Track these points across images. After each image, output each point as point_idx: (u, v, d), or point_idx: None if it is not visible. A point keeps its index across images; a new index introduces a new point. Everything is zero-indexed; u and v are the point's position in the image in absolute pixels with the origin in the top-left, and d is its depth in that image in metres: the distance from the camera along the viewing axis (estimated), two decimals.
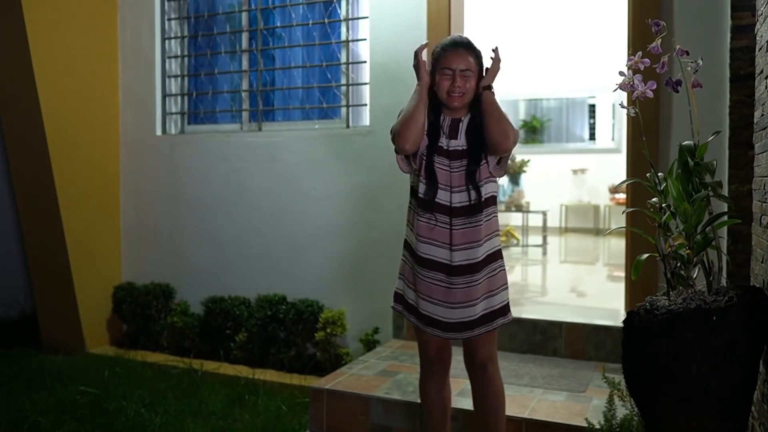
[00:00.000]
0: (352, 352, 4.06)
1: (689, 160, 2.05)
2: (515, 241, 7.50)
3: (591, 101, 9.24)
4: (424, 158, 2.22)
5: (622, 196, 8.13)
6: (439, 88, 2.22)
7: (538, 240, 7.46)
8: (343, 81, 4.39)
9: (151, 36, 4.91)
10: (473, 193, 2.18)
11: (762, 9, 2.41)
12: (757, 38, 2.55)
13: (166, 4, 4.94)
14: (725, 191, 2.78)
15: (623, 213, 3.13)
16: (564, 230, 8.94)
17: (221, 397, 3.65)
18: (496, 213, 2.28)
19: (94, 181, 4.82)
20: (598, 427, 2.49)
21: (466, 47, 2.21)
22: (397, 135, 2.19)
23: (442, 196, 2.19)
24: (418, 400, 2.92)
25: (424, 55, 2.30)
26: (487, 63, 2.29)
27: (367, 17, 4.22)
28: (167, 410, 3.44)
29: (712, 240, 2.04)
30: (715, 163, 2.07)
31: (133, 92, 4.98)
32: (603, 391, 2.78)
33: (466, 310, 2.20)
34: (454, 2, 3.94)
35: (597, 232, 8.83)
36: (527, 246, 7.39)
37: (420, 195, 2.22)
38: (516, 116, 9.55)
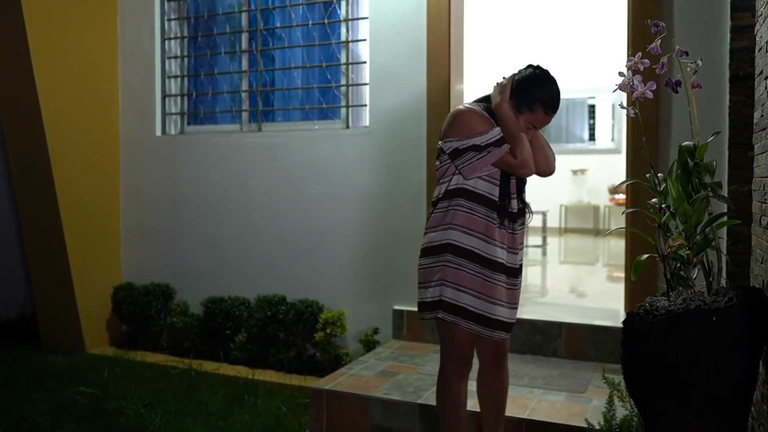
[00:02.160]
0: (352, 353, 4.06)
1: (689, 160, 2.05)
2: None
3: (591, 102, 9.25)
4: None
5: (621, 197, 8.14)
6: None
7: (538, 240, 7.46)
8: (343, 81, 4.39)
9: (151, 36, 4.92)
10: (520, 201, 2.33)
11: (762, 10, 2.41)
12: (757, 39, 2.55)
13: (166, 4, 4.94)
14: (725, 192, 2.79)
15: (623, 213, 3.13)
16: (564, 231, 8.94)
17: (221, 398, 3.65)
18: None
19: (93, 181, 4.81)
20: (597, 427, 2.49)
21: None
22: (530, 165, 2.23)
23: (511, 203, 2.29)
24: (418, 401, 2.92)
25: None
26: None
27: (367, 17, 4.22)
28: (167, 411, 3.43)
29: (712, 241, 2.04)
30: (714, 163, 2.07)
31: (132, 92, 4.98)
32: (603, 392, 2.78)
33: (517, 309, 2.36)
34: (454, 3, 3.94)
35: (597, 232, 8.83)
36: (527, 246, 7.39)
37: (496, 200, 2.24)
38: None
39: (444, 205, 2.27)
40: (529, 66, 2.29)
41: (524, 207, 2.35)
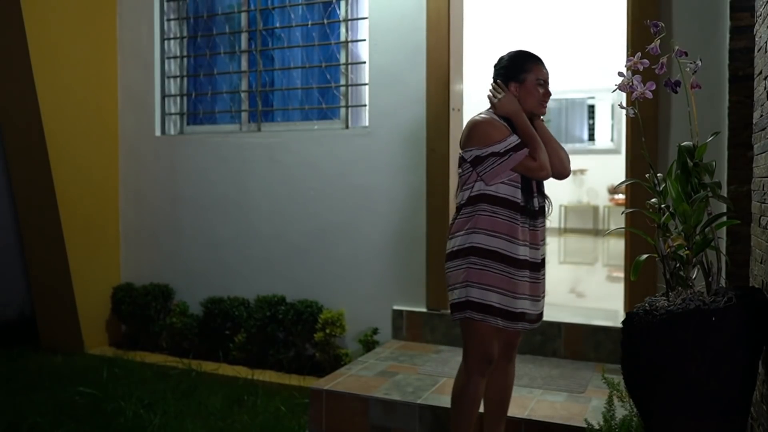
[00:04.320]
0: (351, 353, 4.06)
1: (688, 160, 2.05)
2: None
3: (590, 102, 9.25)
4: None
5: (621, 197, 8.14)
6: (528, 98, 2.38)
7: None
8: (343, 81, 4.39)
9: (150, 36, 4.91)
10: (540, 198, 2.41)
11: (761, 10, 2.41)
12: (756, 39, 2.55)
13: (166, 4, 4.94)
14: (724, 192, 2.78)
15: (622, 213, 3.13)
16: (563, 231, 8.94)
17: (220, 398, 3.65)
18: None
19: (93, 181, 4.81)
20: (597, 427, 2.49)
21: None
22: (547, 168, 2.35)
23: (533, 201, 2.36)
24: (417, 401, 2.92)
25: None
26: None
27: (366, 18, 4.22)
28: (166, 411, 3.43)
29: (711, 241, 2.04)
30: (714, 163, 2.07)
31: (132, 93, 4.98)
32: (602, 392, 2.79)
33: (543, 301, 2.44)
34: (453, 3, 3.94)
35: (596, 232, 8.83)
36: None
37: (518, 202, 2.32)
38: None
39: (467, 210, 2.36)
40: (496, 63, 2.44)
41: (544, 204, 2.43)
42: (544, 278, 2.44)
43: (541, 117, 2.50)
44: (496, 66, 2.44)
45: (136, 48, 4.94)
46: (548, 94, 2.40)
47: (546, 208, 2.43)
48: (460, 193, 2.40)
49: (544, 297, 2.45)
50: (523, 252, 2.32)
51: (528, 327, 2.40)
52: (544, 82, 2.38)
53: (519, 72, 2.36)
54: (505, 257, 2.30)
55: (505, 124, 2.36)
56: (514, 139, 2.30)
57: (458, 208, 2.40)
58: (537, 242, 2.37)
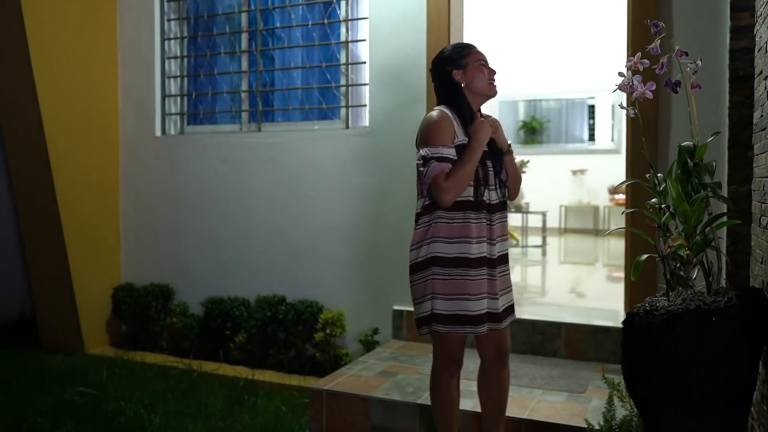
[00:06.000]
0: (352, 353, 4.06)
1: (688, 160, 2.05)
2: (514, 242, 7.49)
3: (590, 102, 9.25)
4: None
5: (621, 197, 8.14)
6: (475, 80, 2.34)
7: (538, 241, 7.46)
8: (343, 82, 4.39)
9: (150, 37, 4.91)
10: (500, 191, 2.37)
11: (761, 10, 2.41)
12: (756, 39, 2.55)
13: (166, 4, 4.94)
14: (724, 192, 2.78)
15: (623, 214, 3.13)
16: (563, 231, 8.94)
17: (220, 398, 3.65)
18: None
19: (93, 182, 4.81)
20: (597, 427, 2.49)
21: None
22: (451, 195, 2.21)
23: (485, 195, 2.31)
24: (418, 401, 2.92)
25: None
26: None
27: (366, 18, 4.23)
28: (166, 411, 3.43)
29: (712, 241, 2.04)
30: (714, 163, 2.07)
31: (132, 93, 4.98)
32: (602, 392, 2.78)
33: (506, 296, 2.40)
34: (453, 3, 3.94)
35: (596, 232, 8.83)
36: (527, 246, 7.40)
37: (469, 199, 2.27)
38: (515, 117, 9.57)
39: (425, 220, 2.31)
40: (433, 62, 2.43)
41: (504, 200, 2.39)
42: (506, 274, 2.40)
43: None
44: (434, 64, 2.40)
45: (136, 48, 4.95)
46: (493, 71, 2.37)
47: (506, 202, 2.40)
48: (418, 201, 2.34)
49: (507, 291, 2.40)
50: (478, 249, 2.26)
51: (495, 328, 2.32)
52: (485, 62, 2.37)
53: (458, 59, 2.35)
54: (462, 260, 2.25)
55: (457, 129, 2.28)
56: (445, 151, 2.21)
57: (416, 218, 2.34)
58: (494, 238, 2.32)
